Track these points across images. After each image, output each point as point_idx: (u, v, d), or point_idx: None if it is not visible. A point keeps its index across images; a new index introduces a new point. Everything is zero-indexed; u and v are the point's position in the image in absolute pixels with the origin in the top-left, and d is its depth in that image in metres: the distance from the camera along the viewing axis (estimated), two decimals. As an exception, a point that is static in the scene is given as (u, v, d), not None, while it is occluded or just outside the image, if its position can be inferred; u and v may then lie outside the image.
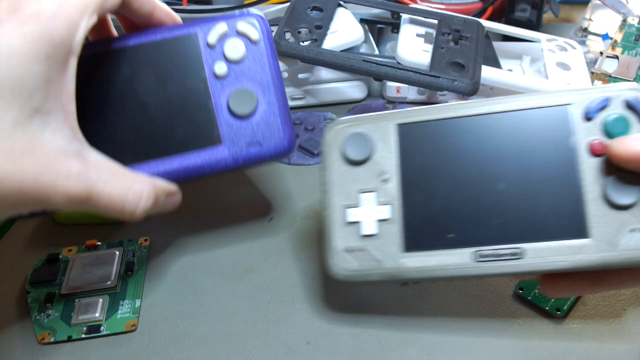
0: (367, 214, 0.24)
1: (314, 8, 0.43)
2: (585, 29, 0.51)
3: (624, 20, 0.47)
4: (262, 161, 0.27)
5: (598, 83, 0.42)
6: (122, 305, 0.28)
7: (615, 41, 0.45)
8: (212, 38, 0.27)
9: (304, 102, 0.44)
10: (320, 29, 0.41)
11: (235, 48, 0.27)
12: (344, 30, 0.42)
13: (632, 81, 0.41)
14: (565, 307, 0.27)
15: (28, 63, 0.19)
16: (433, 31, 0.43)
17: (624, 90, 0.23)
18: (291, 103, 0.44)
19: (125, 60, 0.26)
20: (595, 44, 0.50)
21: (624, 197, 0.21)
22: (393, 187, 0.24)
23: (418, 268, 0.23)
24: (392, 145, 0.25)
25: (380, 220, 0.24)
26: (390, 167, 0.24)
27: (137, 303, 0.28)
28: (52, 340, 0.27)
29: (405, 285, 0.28)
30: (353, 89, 0.45)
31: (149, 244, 0.32)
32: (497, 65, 0.43)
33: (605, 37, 0.50)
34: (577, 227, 0.22)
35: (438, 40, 0.41)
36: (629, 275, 0.23)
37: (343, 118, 0.25)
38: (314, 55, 0.38)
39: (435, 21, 0.43)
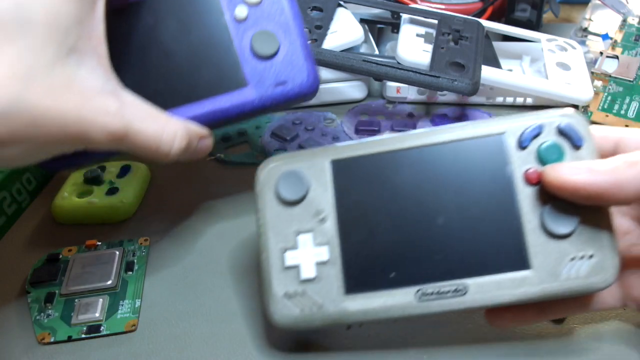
0: (305, 257, 0.23)
1: (314, 8, 0.43)
2: (585, 29, 0.51)
3: (624, 20, 0.47)
4: (289, 100, 0.27)
5: (598, 83, 0.42)
6: (122, 305, 0.28)
7: (615, 41, 0.45)
8: None
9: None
10: (320, 29, 0.41)
11: None
12: (344, 30, 0.42)
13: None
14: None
15: (60, 3, 0.20)
16: (433, 31, 0.43)
17: (557, 117, 0.22)
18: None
19: (147, 11, 0.27)
20: (595, 44, 0.50)
21: (561, 226, 0.21)
22: (330, 226, 0.23)
23: (361, 310, 0.22)
24: (327, 183, 0.24)
25: (319, 263, 0.23)
26: (326, 205, 0.24)
27: (137, 303, 0.28)
28: (52, 340, 0.27)
29: (349, 329, 0.26)
30: (353, 89, 0.45)
31: (149, 244, 0.32)
32: (497, 65, 0.43)
33: (605, 37, 0.50)
34: (518, 259, 0.22)
35: (438, 40, 0.41)
36: (573, 302, 0.23)
37: (275, 157, 0.25)
38: (314, 55, 0.38)
39: (435, 21, 0.43)
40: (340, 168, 0.24)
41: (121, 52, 0.26)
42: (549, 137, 0.22)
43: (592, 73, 0.43)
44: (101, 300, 0.28)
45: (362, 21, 0.49)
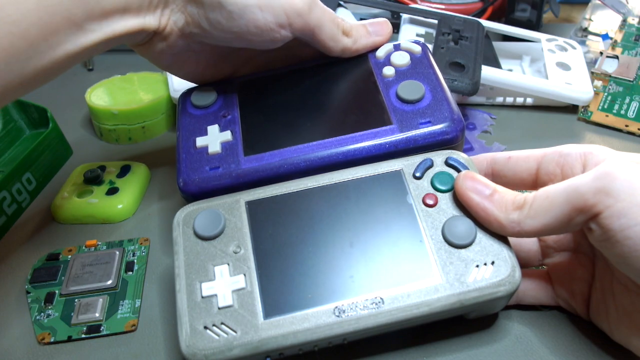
0: (222, 286, 0.23)
1: (314, 8, 0.43)
2: (585, 29, 0.51)
3: (624, 20, 0.47)
4: (432, 141, 0.27)
5: (598, 83, 0.42)
6: (122, 305, 0.28)
7: (615, 41, 0.45)
8: (380, 52, 0.31)
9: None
10: (321, 29, 0.41)
11: (400, 57, 0.31)
12: (344, 30, 0.42)
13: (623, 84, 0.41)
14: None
15: None
16: (433, 31, 0.43)
17: (445, 153, 0.27)
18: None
19: (311, 79, 0.31)
20: (595, 44, 0.50)
21: (461, 238, 0.24)
22: (247, 257, 0.24)
23: (281, 333, 0.22)
24: (243, 219, 0.25)
25: (237, 290, 0.23)
26: (242, 239, 0.25)
27: (137, 303, 0.28)
28: (52, 340, 0.27)
29: None
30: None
31: (149, 244, 0.32)
32: (497, 65, 0.43)
33: (605, 37, 0.50)
34: (426, 270, 0.23)
35: (438, 40, 0.41)
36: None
37: (193, 203, 0.26)
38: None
39: (435, 21, 0.43)
40: (255, 206, 0.26)
41: (286, 106, 0.30)
42: (439, 168, 0.26)
43: (592, 73, 0.43)
44: (101, 300, 0.28)
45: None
